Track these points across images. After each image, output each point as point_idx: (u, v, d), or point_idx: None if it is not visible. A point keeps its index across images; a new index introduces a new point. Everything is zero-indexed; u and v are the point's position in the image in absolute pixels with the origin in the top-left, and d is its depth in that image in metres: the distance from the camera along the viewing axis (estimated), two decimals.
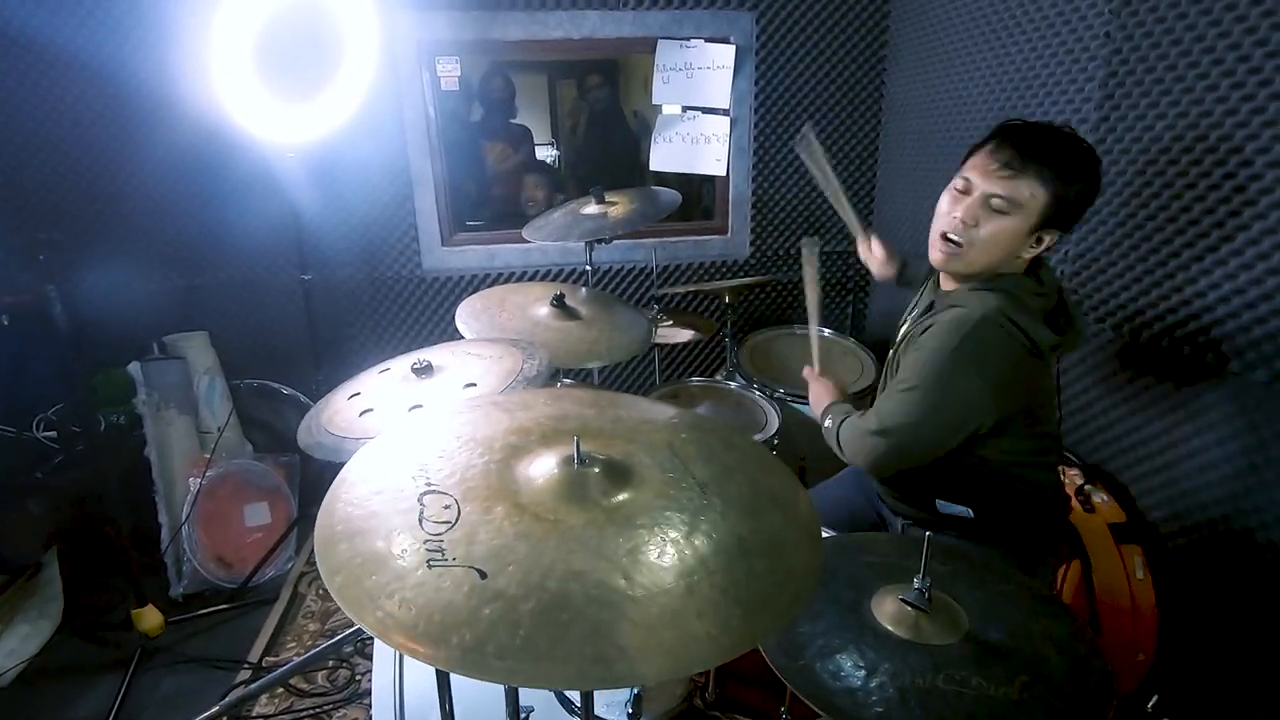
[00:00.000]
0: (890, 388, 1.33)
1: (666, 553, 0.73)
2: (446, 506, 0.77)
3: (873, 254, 1.79)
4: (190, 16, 2.20)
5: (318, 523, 0.78)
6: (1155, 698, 1.33)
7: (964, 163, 1.31)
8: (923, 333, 1.30)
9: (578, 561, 0.71)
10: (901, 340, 1.45)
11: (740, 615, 0.69)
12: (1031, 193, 1.21)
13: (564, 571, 0.70)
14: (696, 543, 0.75)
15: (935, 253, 1.32)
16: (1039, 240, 1.26)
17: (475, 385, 1.32)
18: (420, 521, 0.75)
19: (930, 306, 1.38)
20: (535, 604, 0.66)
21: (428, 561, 0.70)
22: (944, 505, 1.40)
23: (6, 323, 2.14)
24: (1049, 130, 1.24)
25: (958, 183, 1.29)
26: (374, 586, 0.68)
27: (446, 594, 0.67)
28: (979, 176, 1.25)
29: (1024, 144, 1.22)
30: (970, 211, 1.25)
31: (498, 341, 1.55)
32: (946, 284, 1.39)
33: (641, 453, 0.88)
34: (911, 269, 1.78)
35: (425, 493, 0.79)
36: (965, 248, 1.27)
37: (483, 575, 0.69)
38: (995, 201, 1.23)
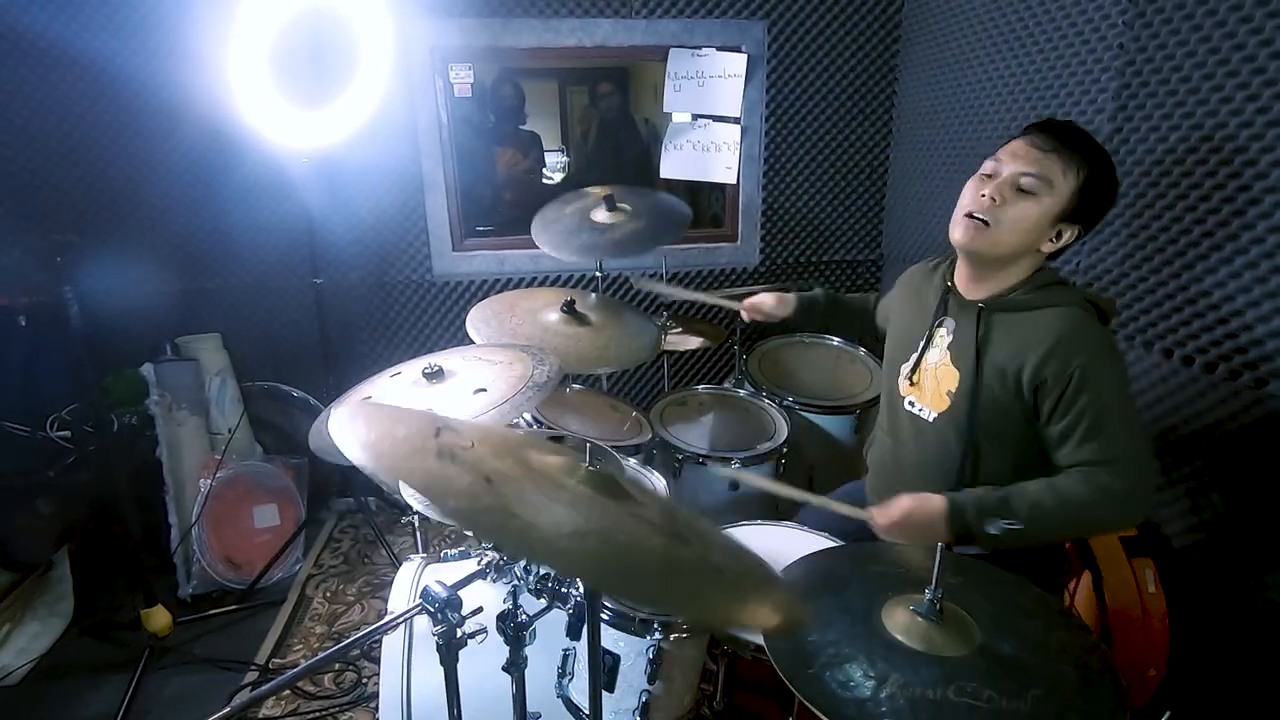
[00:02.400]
0: (1093, 419, 1.19)
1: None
2: (464, 445, 0.85)
3: (762, 304, 1.87)
4: (207, 23, 2.23)
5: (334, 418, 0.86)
6: (1168, 713, 1.31)
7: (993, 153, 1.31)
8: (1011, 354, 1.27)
9: (572, 504, 0.80)
10: (915, 365, 1.41)
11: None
12: (1063, 175, 1.21)
13: (562, 497, 0.79)
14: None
15: (958, 231, 1.29)
16: (1059, 235, 1.26)
17: (485, 390, 1.33)
18: (436, 434, 0.84)
19: (971, 325, 1.33)
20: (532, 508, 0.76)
21: (437, 454, 0.79)
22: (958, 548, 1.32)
23: (24, 323, 2.16)
24: (1078, 125, 1.26)
25: (986, 167, 1.29)
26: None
27: (452, 479, 0.76)
28: (1009, 157, 1.26)
29: (1057, 130, 1.24)
30: (1000, 189, 1.24)
31: (508, 347, 1.56)
32: (973, 292, 1.34)
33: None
34: (805, 300, 1.86)
35: (442, 428, 0.86)
36: (991, 227, 1.25)
37: (489, 481, 0.76)
38: (1026, 180, 1.23)
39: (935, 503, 1.24)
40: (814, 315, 1.84)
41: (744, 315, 1.91)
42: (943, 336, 1.39)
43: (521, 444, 0.92)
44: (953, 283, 1.39)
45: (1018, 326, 1.28)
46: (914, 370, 1.42)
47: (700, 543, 0.86)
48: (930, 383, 1.39)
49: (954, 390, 1.34)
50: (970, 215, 1.27)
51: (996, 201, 1.24)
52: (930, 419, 1.39)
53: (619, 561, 0.75)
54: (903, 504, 1.26)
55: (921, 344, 1.41)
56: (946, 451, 1.36)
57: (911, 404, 1.43)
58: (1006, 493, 1.23)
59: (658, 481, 1.66)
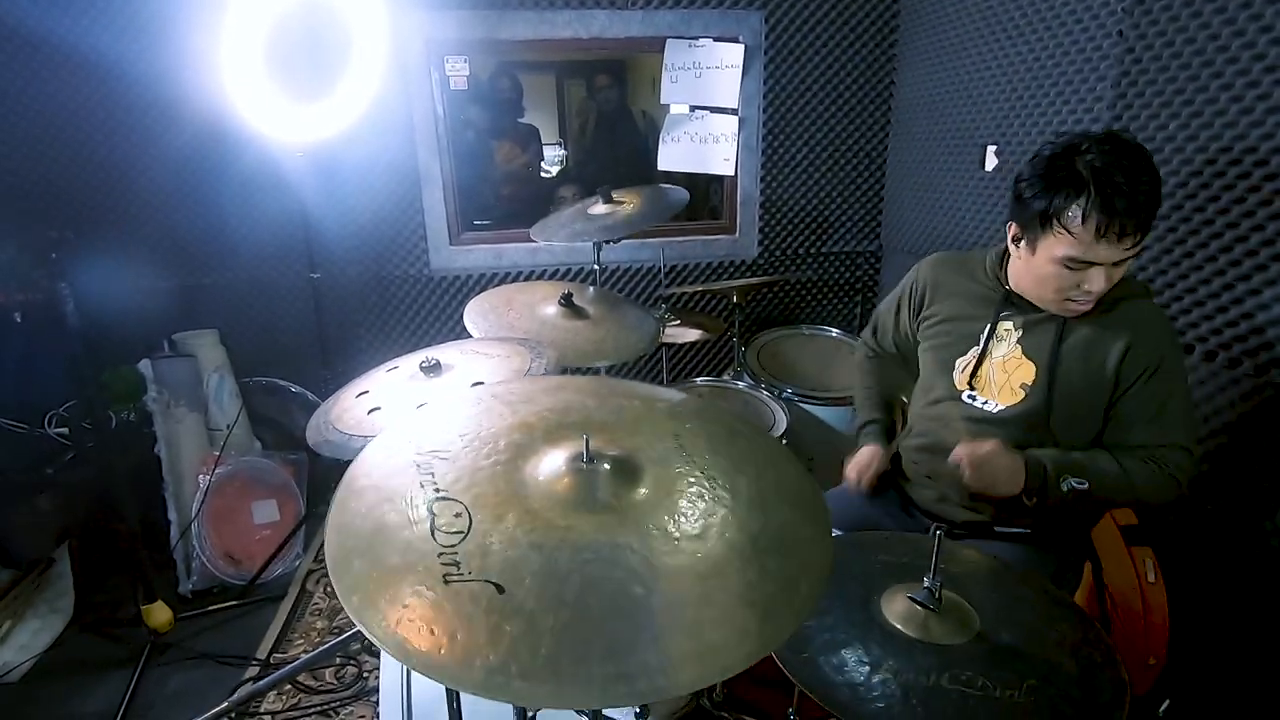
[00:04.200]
0: (1160, 406, 1.27)
1: (682, 553, 0.73)
2: (457, 515, 0.77)
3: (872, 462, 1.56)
4: (200, 16, 2.21)
5: (328, 537, 0.77)
6: (1167, 702, 1.32)
7: (1042, 224, 1.23)
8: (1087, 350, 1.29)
9: (593, 570, 0.71)
10: (979, 360, 1.40)
11: (756, 619, 0.69)
12: (1143, 236, 1.20)
13: (581, 582, 0.69)
14: (710, 544, 0.75)
15: (1059, 308, 1.31)
16: None
17: (482, 384, 1.32)
18: (433, 533, 0.74)
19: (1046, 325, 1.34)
20: (554, 620, 0.66)
21: (444, 577, 0.69)
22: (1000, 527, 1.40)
23: (19, 320, 2.15)
24: (1130, 175, 1.16)
25: (1065, 261, 1.23)
26: (393, 604, 0.68)
27: (466, 610, 0.67)
28: (1091, 253, 1.20)
29: (1125, 209, 1.15)
30: (1102, 281, 1.23)
31: (505, 340, 1.55)
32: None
33: (648, 446, 0.87)
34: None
35: (436, 500, 0.79)
36: (1099, 298, 1.27)
37: (500, 590, 0.68)
38: (1120, 263, 1.22)
39: (1013, 455, 1.30)
40: (892, 409, 1.70)
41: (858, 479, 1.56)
42: (1009, 331, 1.38)
43: (514, 446, 0.88)
44: (1010, 285, 1.38)
45: (1097, 319, 1.30)
46: (978, 365, 1.40)
47: (715, 500, 0.82)
48: (999, 376, 1.38)
49: (1030, 383, 1.34)
50: (1075, 300, 1.28)
51: (1101, 290, 1.24)
52: (995, 411, 1.38)
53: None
54: (991, 444, 1.30)
55: (984, 338, 1.40)
56: (1012, 441, 1.35)
57: (972, 398, 1.42)
58: (1079, 457, 1.30)
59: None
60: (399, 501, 0.79)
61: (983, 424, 1.39)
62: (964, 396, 1.43)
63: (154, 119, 2.48)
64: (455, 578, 0.69)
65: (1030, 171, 1.25)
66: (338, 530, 0.77)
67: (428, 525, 0.75)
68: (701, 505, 0.79)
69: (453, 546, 0.72)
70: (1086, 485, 1.27)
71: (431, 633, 0.65)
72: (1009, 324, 1.38)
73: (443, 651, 0.64)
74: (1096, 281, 1.23)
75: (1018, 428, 1.35)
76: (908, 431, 1.60)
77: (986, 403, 1.40)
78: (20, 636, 2.07)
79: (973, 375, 1.41)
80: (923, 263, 1.58)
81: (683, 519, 0.77)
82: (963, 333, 1.44)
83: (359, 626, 0.67)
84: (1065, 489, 1.27)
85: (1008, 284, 1.38)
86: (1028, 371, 1.34)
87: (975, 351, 1.41)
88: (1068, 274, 1.24)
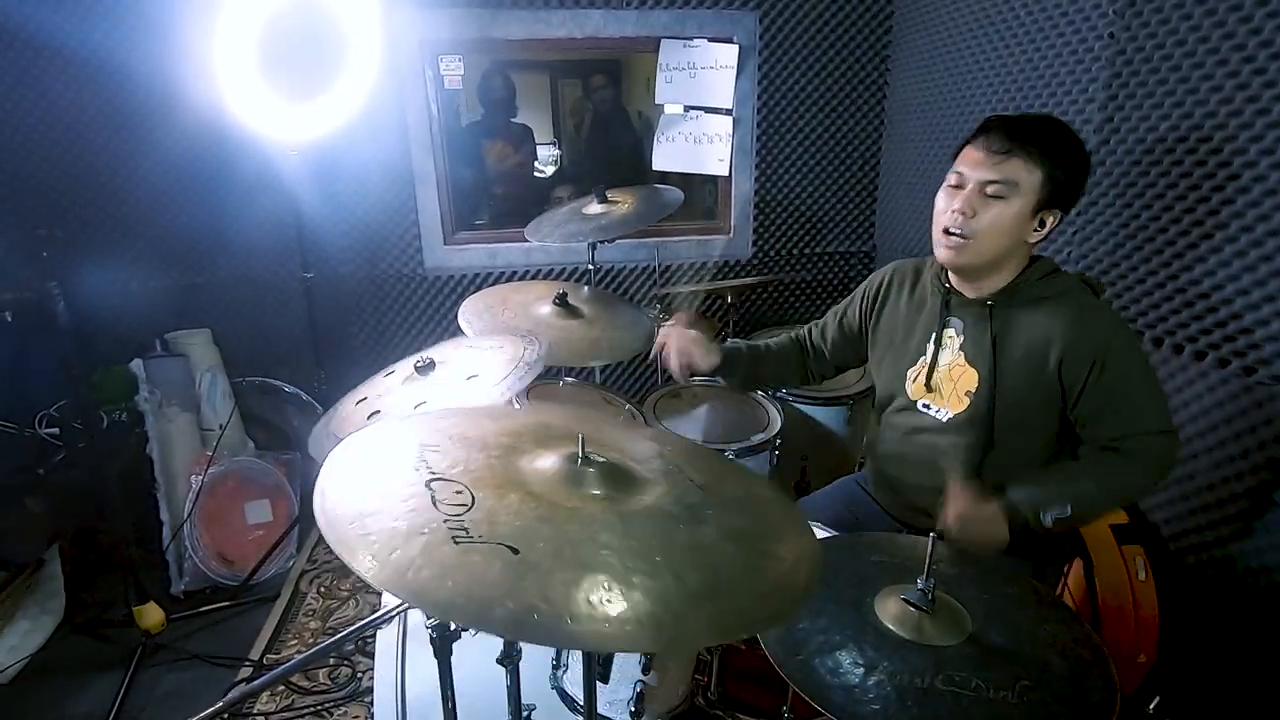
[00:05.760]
0: (1121, 396, 1.24)
1: (684, 537, 0.75)
2: (458, 492, 0.75)
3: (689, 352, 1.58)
4: (194, 15, 2.20)
5: (319, 513, 0.74)
6: (1157, 699, 1.33)
7: (953, 160, 1.31)
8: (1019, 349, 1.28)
9: (608, 539, 0.71)
10: (929, 370, 1.39)
11: (757, 595, 0.71)
12: (1026, 172, 1.22)
13: (597, 546, 0.70)
14: (708, 529, 0.77)
15: (940, 250, 1.31)
16: (1042, 223, 1.26)
17: (477, 376, 1.32)
18: (434, 504, 0.72)
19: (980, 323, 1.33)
20: (571, 575, 0.66)
21: (452, 538, 0.67)
22: None
23: (9, 319, 2.13)
24: (1030, 116, 1.27)
25: (951, 179, 1.30)
26: (403, 561, 0.65)
27: (479, 570, 0.64)
28: (970, 167, 1.26)
29: (1009, 129, 1.23)
30: (968, 202, 1.25)
31: (498, 334, 1.55)
32: (974, 291, 1.34)
33: (635, 454, 0.89)
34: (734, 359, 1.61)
35: (432, 480, 0.76)
36: (970, 239, 1.26)
37: (515, 551, 0.67)
38: (991, 188, 1.23)
39: (990, 507, 1.25)
40: (738, 366, 1.63)
41: (669, 359, 1.61)
42: (952, 338, 1.38)
43: (503, 447, 0.89)
44: (951, 284, 1.38)
45: (1030, 320, 1.29)
46: (929, 375, 1.40)
47: (712, 501, 0.84)
48: (947, 385, 1.38)
49: (974, 390, 1.34)
50: (947, 232, 1.28)
51: (968, 214, 1.25)
52: (945, 419, 1.38)
53: (683, 600, 0.67)
54: (960, 506, 1.24)
55: (931, 348, 1.40)
56: (963, 448, 1.36)
57: (926, 407, 1.42)
58: (1053, 485, 1.26)
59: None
60: (391, 482, 0.76)
61: (935, 433, 1.39)
62: (919, 406, 1.43)
63: (146, 117, 2.47)
64: (464, 539, 0.67)
65: None
66: (325, 511, 0.74)
67: (429, 498, 0.73)
68: (692, 502, 0.81)
69: (458, 516, 0.70)
70: (1068, 512, 1.23)
71: (449, 584, 0.63)
72: (952, 330, 1.38)
73: (460, 605, 0.62)
74: (959, 199, 1.26)
75: (968, 434, 1.35)
76: (875, 440, 1.59)
77: (938, 411, 1.40)
78: (10, 638, 2.06)
79: (926, 384, 1.41)
80: (887, 266, 1.57)
81: (679, 512, 0.79)
82: (911, 341, 1.45)
83: (373, 583, 0.65)
84: (1049, 523, 1.22)
85: (948, 281, 1.38)
86: (971, 378, 1.34)
87: (924, 361, 1.41)
88: (947, 197, 1.29)
